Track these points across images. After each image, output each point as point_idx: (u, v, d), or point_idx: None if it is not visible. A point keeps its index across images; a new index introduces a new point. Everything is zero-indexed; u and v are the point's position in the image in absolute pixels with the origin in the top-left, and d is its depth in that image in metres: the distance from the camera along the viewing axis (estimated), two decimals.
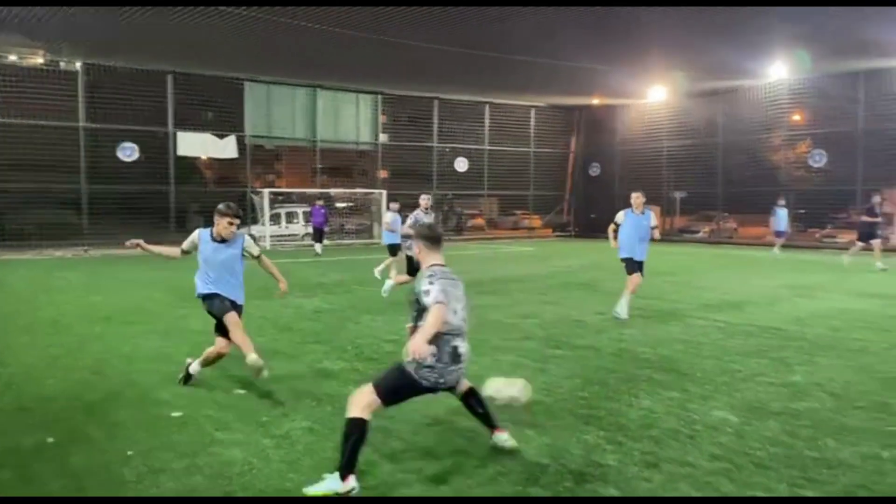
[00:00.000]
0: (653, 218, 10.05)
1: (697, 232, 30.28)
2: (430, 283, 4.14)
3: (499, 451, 4.53)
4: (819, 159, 26.70)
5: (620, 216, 10.07)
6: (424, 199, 11.97)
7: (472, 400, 4.63)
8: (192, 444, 4.74)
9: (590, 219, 33.72)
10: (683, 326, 9.22)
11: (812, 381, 6.39)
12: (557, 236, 34.07)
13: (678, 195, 30.81)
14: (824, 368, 6.89)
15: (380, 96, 29.53)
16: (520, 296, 12.28)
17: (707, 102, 29.34)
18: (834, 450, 4.61)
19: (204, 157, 27.26)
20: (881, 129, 25.20)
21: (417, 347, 3.85)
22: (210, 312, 5.96)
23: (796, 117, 28.58)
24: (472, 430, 4.90)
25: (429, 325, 3.96)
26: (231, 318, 5.82)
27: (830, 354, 7.53)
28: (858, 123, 25.76)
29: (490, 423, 4.65)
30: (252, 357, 5.68)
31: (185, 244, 6.13)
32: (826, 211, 26.87)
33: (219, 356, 6.06)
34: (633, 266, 9.94)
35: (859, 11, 15.83)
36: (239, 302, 6.05)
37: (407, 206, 16.47)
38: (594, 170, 34.43)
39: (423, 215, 11.50)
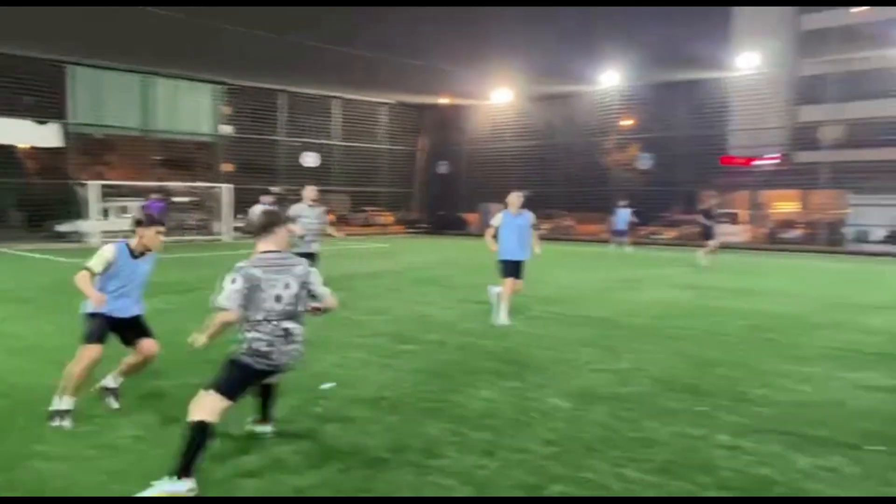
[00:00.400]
0: (531, 217, 9.78)
1: (539, 229, 31.75)
2: (232, 280, 4.10)
3: (340, 449, 4.50)
4: (646, 162, 28.98)
5: (498, 218, 9.73)
6: (310, 191, 10.43)
7: (270, 392, 4.67)
8: (5, 459, 4.29)
9: (439, 216, 34.45)
10: (524, 319, 9.62)
11: (636, 366, 6.91)
12: (409, 233, 34.43)
13: (522, 193, 32.17)
14: (647, 354, 7.47)
15: (222, 86, 28.33)
16: (370, 292, 12.26)
17: (546, 106, 30.97)
18: (652, 430, 5.01)
19: (22, 145, 24.82)
20: (700, 135, 27.86)
21: (196, 338, 4.18)
22: (83, 330, 5.09)
23: (626, 122, 30.89)
24: (312, 429, 4.85)
25: (211, 325, 4.14)
26: (86, 351, 4.98)
27: (652, 341, 8.18)
28: (679, 130, 28.27)
29: (266, 416, 4.72)
30: (56, 403, 4.95)
31: (99, 266, 4.98)
32: (652, 210, 29.13)
33: (146, 362, 5.35)
34: (511, 269, 9.43)
35: (682, 27, 17.32)
36: (140, 312, 5.35)
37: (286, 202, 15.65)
38: (443, 168, 35.16)
39: (307, 209, 10.14)
